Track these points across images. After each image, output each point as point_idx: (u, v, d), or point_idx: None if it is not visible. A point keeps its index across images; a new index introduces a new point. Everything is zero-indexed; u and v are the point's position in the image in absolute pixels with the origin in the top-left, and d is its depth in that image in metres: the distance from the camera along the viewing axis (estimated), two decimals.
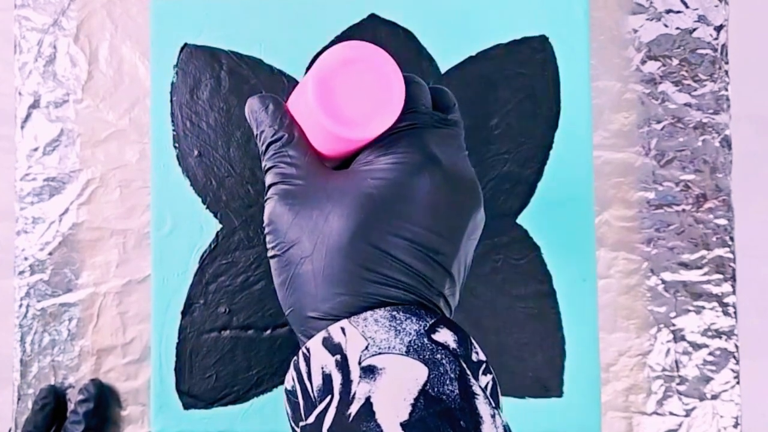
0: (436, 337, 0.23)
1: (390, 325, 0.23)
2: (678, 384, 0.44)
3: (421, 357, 0.22)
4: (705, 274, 0.44)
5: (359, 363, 0.23)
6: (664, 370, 0.44)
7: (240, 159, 0.41)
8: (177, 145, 0.41)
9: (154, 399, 0.40)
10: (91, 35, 0.44)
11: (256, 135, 0.29)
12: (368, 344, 0.23)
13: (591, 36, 0.43)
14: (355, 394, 0.22)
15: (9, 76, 0.45)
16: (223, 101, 0.41)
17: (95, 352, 0.44)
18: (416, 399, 0.21)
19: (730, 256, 0.44)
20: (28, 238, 0.44)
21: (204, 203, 0.41)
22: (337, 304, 0.25)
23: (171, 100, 0.41)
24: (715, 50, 0.45)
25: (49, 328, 0.44)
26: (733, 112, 0.45)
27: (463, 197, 0.27)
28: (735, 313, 0.44)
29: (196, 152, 0.41)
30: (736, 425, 0.44)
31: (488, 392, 0.24)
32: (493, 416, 0.22)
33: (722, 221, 0.44)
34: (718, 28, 0.45)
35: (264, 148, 0.28)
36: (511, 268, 0.41)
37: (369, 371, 0.22)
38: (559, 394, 0.40)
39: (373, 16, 0.41)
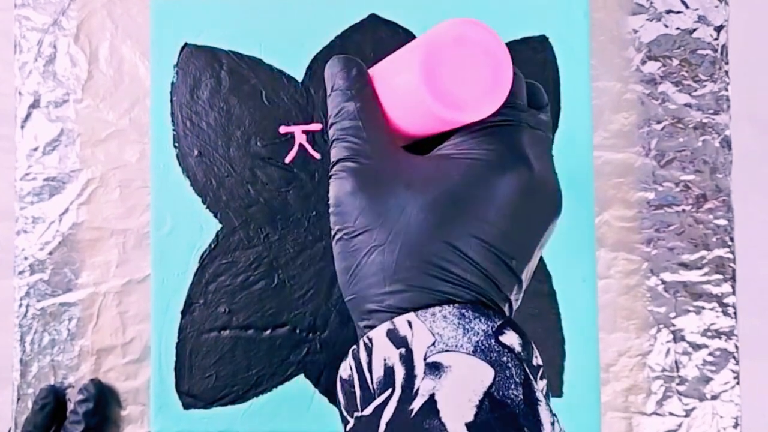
0: (503, 339, 0.23)
1: (458, 323, 0.23)
2: (678, 384, 0.44)
3: (488, 358, 0.22)
4: (705, 274, 0.44)
5: (425, 359, 0.22)
6: (663, 370, 0.44)
7: (240, 159, 0.41)
8: (177, 144, 0.41)
9: (153, 399, 0.40)
10: (91, 35, 0.44)
11: (328, 96, 0.27)
12: (435, 340, 0.22)
13: (591, 36, 0.43)
14: (418, 389, 0.21)
15: (9, 75, 0.45)
16: (223, 101, 0.41)
17: (95, 352, 0.44)
18: (481, 401, 0.21)
19: (730, 256, 0.44)
20: (28, 237, 0.44)
21: (204, 203, 0.41)
22: (403, 298, 0.24)
23: (171, 100, 0.41)
24: (715, 50, 0.45)
25: (48, 327, 0.44)
26: (733, 112, 0.45)
27: (545, 205, 0.26)
28: (735, 313, 0.44)
29: (196, 152, 0.41)
30: (735, 425, 0.44)
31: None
32: (552, 424, 0.22)
33: (722, 221, 0.44)
34: (718, 29, 0.45)
35: (334, 112, 0.26)
36: None
37: (434, 368, 0.22)
38: (559, 394, 0.40)
39: (373, 16, 0.41)
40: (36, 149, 0.44)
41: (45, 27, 0.45)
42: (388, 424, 0.21)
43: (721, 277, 0.44)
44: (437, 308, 0.23)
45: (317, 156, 0.41)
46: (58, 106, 0.44)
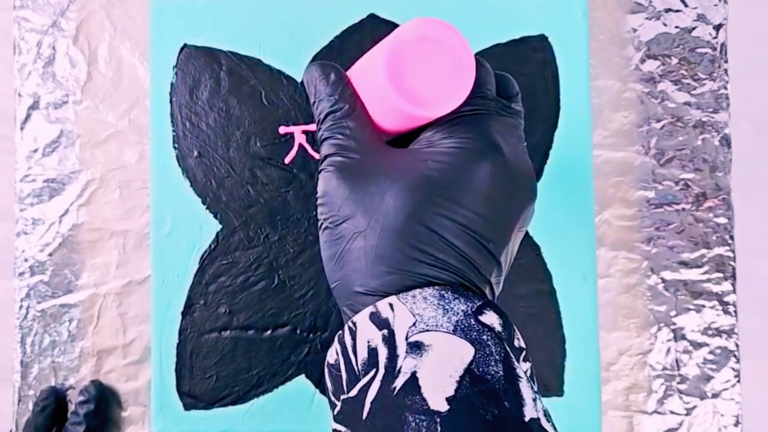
0: (482, 318, 0.23)
1: (438, 304, 0.23)
2: (678, 383, 0.44)
3: (467, 336, 0.23)
4: (705, 272, 0.44)
5: (406, 338, 0.23)
6: (664, 369, 0.44)
7: (240, 159, 0.41)
8: (177, 145, 0.41)
9: (154, 400, 0.40)
10: (91, 36, 0.44)
11: (313, 103, 0.28)
12: (416, 321, 0.23)
13: (590, 35, 0.43)
14: (401, 368, 0.22)
15: (8, 77, 0.45)
16: (223, 102, 0.41)
17: (95, 353, 0.44)
18: (461, 377, 0.22)
19: (730, 254, 0.44)
20: (28, 239, 0.44)
21: (204, 204, 0.41)
22: (386, 282, 0.25)
23: (170, 101, 0.41)
24: (715, 49, 0.45)
25: (49, 329, 0.44)
26: (732, 110, 0.45)
27: (519, 188, 0.26)
28: (735, 311, 0.44)
29: (195, 153, 0.41)
30: (736, 424, 0.44)
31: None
32: (534, 399, 0.22)
33: (722, 220, 0.44)
34: (718, 27, 0.45)
35: (322, 117, 0.28)
36: (511, 268, 0.41)
37: (416, 347, 0.22)
38: (560, 394, 0.40)
39: (372, 16, 0.41)
40: (36, 151, 0.44)
41: (44, 28, 0.45)
42: (372, 402, 0.22)
43: (721, 275, 0.44)
44: (418, 290, 0.24)
45: (317, 156, 0.41)
46: (57, 108, 0.44)
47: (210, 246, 0.40)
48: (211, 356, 0.40)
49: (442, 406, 0.21)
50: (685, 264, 0.44)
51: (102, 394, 0.43)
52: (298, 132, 0.41)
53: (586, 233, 0.41)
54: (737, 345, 0.44)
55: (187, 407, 0.40)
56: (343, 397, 0.24)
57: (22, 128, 0.45)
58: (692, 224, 0.44)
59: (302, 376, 0.40)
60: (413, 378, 0.22)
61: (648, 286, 0.44)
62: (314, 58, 0.41)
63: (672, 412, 0.44)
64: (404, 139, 0.29)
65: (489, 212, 0.25)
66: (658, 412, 0.44)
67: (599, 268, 0.44)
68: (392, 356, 0.23)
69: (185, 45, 0.41)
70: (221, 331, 0.40)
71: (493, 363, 0.22)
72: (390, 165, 0.26)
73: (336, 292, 0.26)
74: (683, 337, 0.44)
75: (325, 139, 0.27)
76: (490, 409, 0.21)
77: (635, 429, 0.44)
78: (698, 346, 0.44)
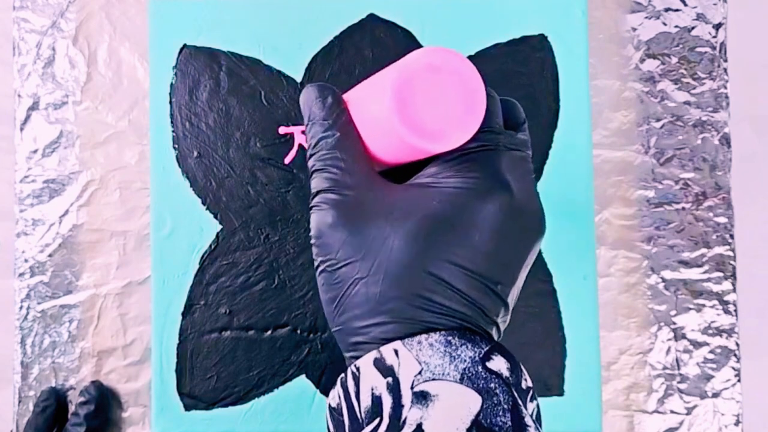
0: (490, 365, 0.23)
1: (445, 351, 0.23)
2: (679, 382, 0.44)
3: (475, 386, 0.22)
4: (705, 272, 0.44)
5: (412, 387, 0.22)
6: (664, 368, 0.44)
7: (239, 160, 0.41)
8: (176, 146, 0.41)
9: (155, 400, 0.40)
10: (90, 37, 0.44)
11: (306, 126, 0.27)
12: (422, 369, 0.22)
13: (590, 35, 0.43)
14: (406, 419, 0.21)
15: (8, 77, 0.45)
16: (223, 102, 0.41)
17: (96, 354, 0.44)
18: (469, 429, 0.21)
19: (730, 254, 0.44)
20: (28, 240, 0.44)
21: (204, 204, 0.41)
22: (389, 330, 0.24)
23: (170, 102, 0.41)
24: (714, 48, 0.45)
25: (49, 330, 0.44)
26: (732, 109, 0.45)
27: (527, 227, 0.25)
28: (735, 311, 0.44)
29: (195, 153, 0.41)
30: (737, 423, 0.44)
31: (534, 420, 0.23)
32: None
33: (722, 219, 0.44)
34: (717, 26, 0.45)
35: (313, 142, 0.26)
36: None
37: (421, 397, 0.22)
38: (560, 393, 0.40)
39: (372, 16, 0.41)
40: (35, 151, 0.44)
41: (44, 29, 0.45)
42: None
43: (721, 274, 0.44)
44: (423, 336, 0.23)
45: None
46: (57, 108, 0.44)
47: (210, 246, 0.40)
48: (211, 357, 0.40)
49: None
50: (685, 263, 0.44)
51: (102, 394, 0.43)
52: (297, 132, 0.41)
53: (586, 232, 0.41)
54: (737, 344, 0.44)
55: (187, 408, 0.40)
56: None
57: (21, 129, 0.45)
58: (692, 223, 0.44)
59: (303, 377, 0.40)
60: (419, 430, 0.21)
61: (648, 286, 0.44)
62: (313, 59, 0.41)
63: (672, 412, 0.44)
64: (397, 169, 0.27)
65: (496, 254, 0.24)
66: (659, 412, 0.44)
67: (599, 268, 0.44)
68: (397, 406, 0.22)
69: (185, 45, 0.41)
70: (221, 331, 0.40)
71: (501, 413, 0.22)
72: (390, 203, 0.25)
73: (338, 336, 0.25)
74: (683, 337, 0.44)
75: (317, 170, 0.26)
76: None
77: (636, 428, 0.44)
78: (698, 345, 0.44)
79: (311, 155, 0.26)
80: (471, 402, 0.22)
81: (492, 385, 0.22)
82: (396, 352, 0.23)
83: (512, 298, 0.26)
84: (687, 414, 0.44)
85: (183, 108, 0.41)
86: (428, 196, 0.25)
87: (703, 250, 0.44)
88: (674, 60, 0.45)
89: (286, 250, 0.41)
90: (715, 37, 0.45)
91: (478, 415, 0.21)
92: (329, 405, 0.25)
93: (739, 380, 0.44)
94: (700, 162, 0.45)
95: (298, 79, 0.41)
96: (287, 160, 0.41)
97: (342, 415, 0.24)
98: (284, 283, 0.40)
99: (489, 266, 0.24)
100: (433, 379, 0.22)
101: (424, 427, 0.21)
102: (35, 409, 0.43)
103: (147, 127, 0.43)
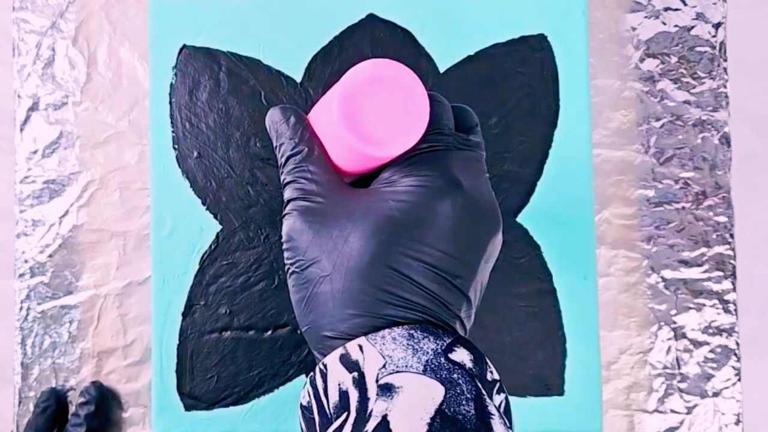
0: (452, 356, 0.23)
1: (408, 344, 0.23)
2: (679, 382, 0.44)
3: (438, 376, 0.23)
4: (705, 271, 0.44)
5: (376, 381, 0.23)
6: (665, 367, 0.44)
7: (239, 160, 0.41)
8: (176, 146, 0.41)
9: (155, 401, 0.40)
10: (90, 37, 0.44)
11: (276, 147, 0.29)
12: (386, 362, 0.23)
13: (590, 34, 0.43)
14: (371, 411, 0.22)
15: (8, 78, 0.45)
16: (222, 102, 0.41)
17: (96, 354, 0.44)
18: (432, 418, 0.21)
19: (731, 253, 0.44)
20: (28, 240, 0.44)
21: (204, 204, 0.41)
22: (354, 324, 0.25)
23: (170, 102, 0.41)
24: (714, 47, 0.45)
25: (49, 330, 0.44)
26: (732, 109, 0.45)
27: (482, 222, 0.27)
28: (735, 310, 0.44)
29: (195, 153, 0.41)
30: (737, 422, 0.44)
31: (501, 411, 0.24)
32: None
33: (722, 218, 0.44)
34: (717, 26, 0.45)
35: (283, 160, 0.28)
36: (511, 267, 0.41)
37: (386, 389, 0.22)
38: (561, 393, 0.40)
39: (371, 16, 0.41)
40: (35, 152, 0.44)
41: (43, 30, 0.45)
42: None
43: (721, 274, 0.44)
44: (387, 330, 0.24)
45: None
46: (57, 109, 0.44)
47: (210, 247, 0.40)
48: (211, 357, 0.40)
49: None
50: (685, 263, 0.44)
51: (102, 395, 0.43)
52: None
53: (586, 232, 0.41)
54: (738, 343, 0.44)
55: (187, 408, 0.40)
56: None
57: (21, 129, 0.45)
58: (692, 223, 0.44)
59: (303, 377, 0.40)
60: (384, 421, 0.22)
61: (648, 285, 0.44)
62: (313, 59, 0.41)
63: (673, 411, 0.44)
64: (368, 179, 0.29)
65: (454, 248, 0.25)
66: (659, 411, 0.44)
67: (599, 267, 0.44)
68: (363, 399, 0.23)
69: (184, 46, 0.41)
70: (222, 331, 0.40)
71: (464, 402, 0.22)
72: (353, 207, 0.26)
73: (307, 335, 0.27)
74: (684, 336, 0.44)
75: (288, 182, 0.27)
76: None
77: (636, 428, 0.44)
78: (699, 344, 0.44)
79: (282, 171, 0.28)
80: (434, 392, 0.22)
81: (455, 375, 0.23)
82: (360, 347, 0.24)
83: (474, 294, 0.27)
84: (687, 413, 0.44)
85: (183, 108, 0.41)
86: (384, 196, 0.26)
87: (703, 250, 0.44)
88: (674, 59, 0.45)
89: None
90: (714, 36, 0.45)
91: (441, 404, 0.22)
92: (300, 404, 0.26)
93: (739, 379, 0.44)
94: (700, 161, 0.45)
95: (298, 79, 0.41)
96: None
97: (312, 413, 0.25)
98: (284, 283, 0.40)
99: (448, 260, 0.25)
100: (397, 372, 0.23)
101: (389, 418, 0.22)
102: (35, 410, 0.43)
103: (147, 127, 0.43)
